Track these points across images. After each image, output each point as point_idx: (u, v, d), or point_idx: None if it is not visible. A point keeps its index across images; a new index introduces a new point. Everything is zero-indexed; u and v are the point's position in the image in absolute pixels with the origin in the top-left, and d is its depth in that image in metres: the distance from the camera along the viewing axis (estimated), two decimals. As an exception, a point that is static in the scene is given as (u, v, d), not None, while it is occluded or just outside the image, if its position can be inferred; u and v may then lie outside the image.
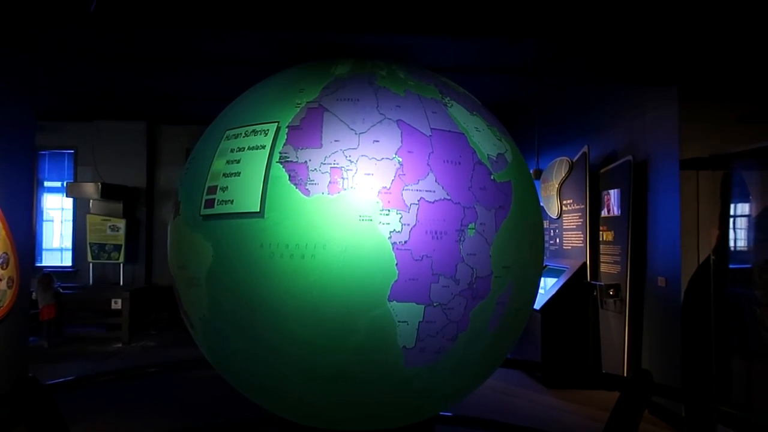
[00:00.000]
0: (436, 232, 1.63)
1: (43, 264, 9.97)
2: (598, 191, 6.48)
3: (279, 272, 1.65)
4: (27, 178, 4.86)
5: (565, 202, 7.05)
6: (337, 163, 1.66)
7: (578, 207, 6.70)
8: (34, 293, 7.54)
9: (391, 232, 1.60)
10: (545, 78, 6.75)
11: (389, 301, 1.61)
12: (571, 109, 7.57)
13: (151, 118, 9.91)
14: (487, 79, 7.09)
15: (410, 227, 1.61)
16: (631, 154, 5.83)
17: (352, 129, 1.71)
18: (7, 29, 4.67)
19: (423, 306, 1.63)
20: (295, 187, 1.66)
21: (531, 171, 5.12)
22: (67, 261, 10.08)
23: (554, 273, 6.73)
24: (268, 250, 1.67)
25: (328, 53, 2.13)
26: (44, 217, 10.23)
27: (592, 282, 6.37)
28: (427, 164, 1.68)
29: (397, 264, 1.60)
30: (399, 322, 1.63)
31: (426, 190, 1.65)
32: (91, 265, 9.38)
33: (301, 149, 1.70)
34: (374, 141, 1.68)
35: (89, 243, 9.25)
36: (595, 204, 6.51)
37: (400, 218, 1.61)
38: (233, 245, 1.74)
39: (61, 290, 8.15)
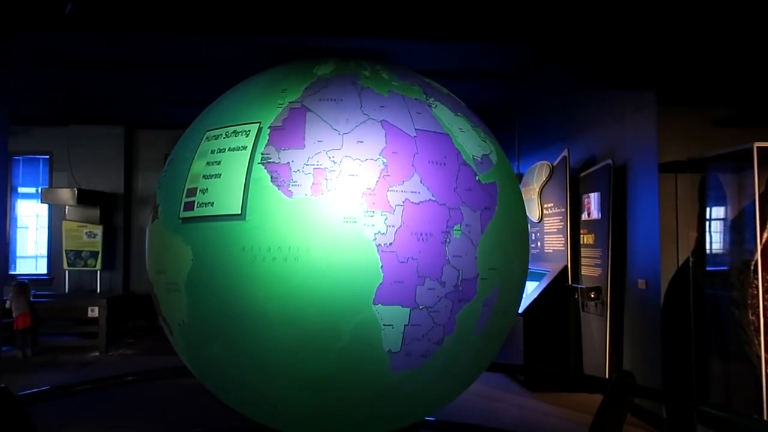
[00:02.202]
0: (421, 234, 1.60)
1: (18, 272, 9.76)
2: (579, 195, 6.53)
3: (261, 276, 1.61)
4: (0, 184, 4.75)
5: (545, 205, 7.09)
6: (321, 164, 1.62)
7: (559, 210, 6.74)
8: (8, 302, 7.38)
9: (375, 233, 1.57)
10: (525, 83, 6.79)
11: (374, 304, 1.58)
12: (550, 114, 7.63)
13: (129, 123, 9.77)
14: (466, 84, 7.11)
15: (395, 229, 1.58)
16: (610, 158, 5.88)
17: (335, 129, 1.68)
18: (-21, 31, 4.56)
19: (409, 309, 1.60)
20: (277, 189, 1.62)
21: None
22: (42, 268, 9.87)
23: (536, 276, 6.76)
24: (249, 253, 1.63)
25: (308, 57, 2.10)
26: (18, 224, 10.02)
27: (574, 285, 6.40)
28: (412, 165, 1.65)
29: (382, 266, 1.57)
30: (384, 325, 1.60)
31: (411, 191, 1.62)
32: (66, 272, 9.20)
33: (284, 150, 1.66)
34: (358, 141, 1.66)
35: (65, 250, 9.07)
36: (576, 207, 6.56)
37: (385, 220, 1.58)
38: (214, 249, 1.69)
39: (32, 299, 7.97)
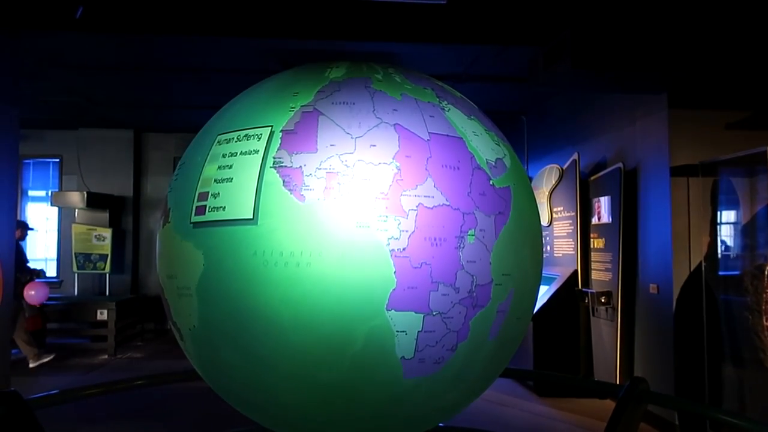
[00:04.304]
0: (435, 239, 1.58)
1: (27, 275, 9.79)
2: (589, 198, 6.49)
3: (273, 281, 1.60)
4: (10, 187, 4.78)
5: (555, 209, 7.05)
6: (333, 168, 1.60)
7: (569, 214, 6.70)
8: (17, 304, 7.40)
9: (389, 238, 1.55)
10: (534, 86, 6.78)
11: (387, 310, 1.56)
12: (560, 117, 7.59)
13: (138, 127, 9.82)
14: (475, 87, 7.10)
15: (409, 234, 1.56)
16: (621, 161, 5.84)
17: (348, 133, 1.66)
18: (-9, 35, 4.59)
19: (422, 315, 1.58)
20: (289, 193, 1.60)
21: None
22: (51, 271, 9.93)
23: (546, 280, 6.72)
24: (261, 258, 1.61)
25: (318, 60, 2.10)
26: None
27: (584, 290, 6.36)
28: (426, 169, 1.63)
29: (395, 272, 1.54)
30: (397, 332, 1.57)
31: (425, 196, 1.59)
32: (76, 275, 9.25)
33: (296, 154, 1.64)
34: (371, 145, 1.63)
35: (74, 253, 9.12)
36: (586, 211, 6.52)
37: (399, 225, 1.55)
38: (225, 253, 1.67)
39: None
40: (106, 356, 7.95)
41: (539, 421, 5.33)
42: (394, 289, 1.55)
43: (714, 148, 4.97)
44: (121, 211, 9.65)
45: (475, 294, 1.64)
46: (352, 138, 1.65)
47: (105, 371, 7.16)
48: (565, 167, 6.79)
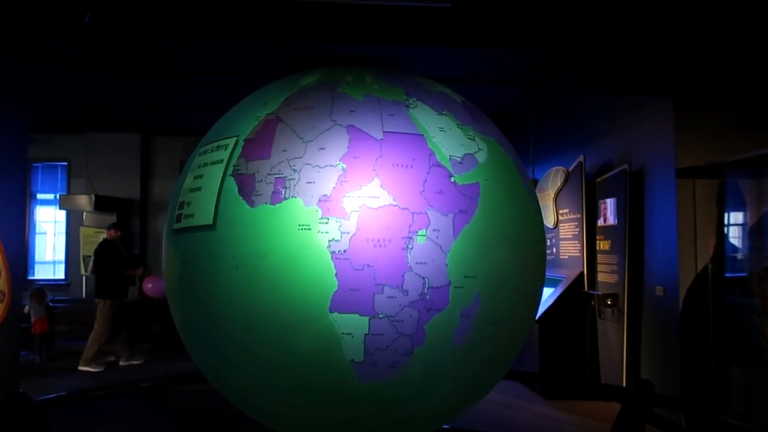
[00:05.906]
0: (378, 240, 1.55)
1: (36, 277, 9.92)
2: (595, 200, 6.41)
3: (227, 283, 1.65)
4: (19, 190, 4.83)
5: (561, 211, 6.97)
6: (282, 173, 1.63)
7: (575, 216, 6.62)
8: (26, 307, 7.51)
9: (329, 240, 1.55)
10: (539, 88, 6.71)
11: (330, 312, 1.55)
12: (566, 119, 7.52)
13: (145, 130, 9.87)
14: (480, 89, 7.05)
15: (350, 235, 1.55)
16: (627, 163, 5.76)
17: (300, 138, 1.68)
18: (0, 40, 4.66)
19: (367, 318, 1.55)
20: (242, 199, 1.65)
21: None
22: (60, 274, 10.03)
23: (551, 283, 6.64)
24: (218, 261, 1.67)
25: (322, 63, 2.11)
26: (37, 230, 10.21)
27: (590, 292, 6.27)
28: (374, 169, 1.61)
29: (336, 274, 1.54)
30: (343, 334, 1.56)
31: (369, 197, 1.58)
32: (84, 278, 9.32)
33: (252, 161, 1.69)
34: (320, 149, 1.64)
35: (83, 255, 9.19)
36: (592, 213, 6.43)
37: (340, 226, 1.55)
38: (193, 258, 1.77)
39: (51, 304, 8.09)
40: (113, 358, 8.00)
41: (545, 424, 5.26)
42: (335, 291, 1.54)
43: (720, 150, 4.87)
44: (128, 214, 9.71)
45: (428, 297, 1.58)
46: (303, 142, 1.66)
47: (112, 373, 7.21)
48: (570, 169, 6.71)
